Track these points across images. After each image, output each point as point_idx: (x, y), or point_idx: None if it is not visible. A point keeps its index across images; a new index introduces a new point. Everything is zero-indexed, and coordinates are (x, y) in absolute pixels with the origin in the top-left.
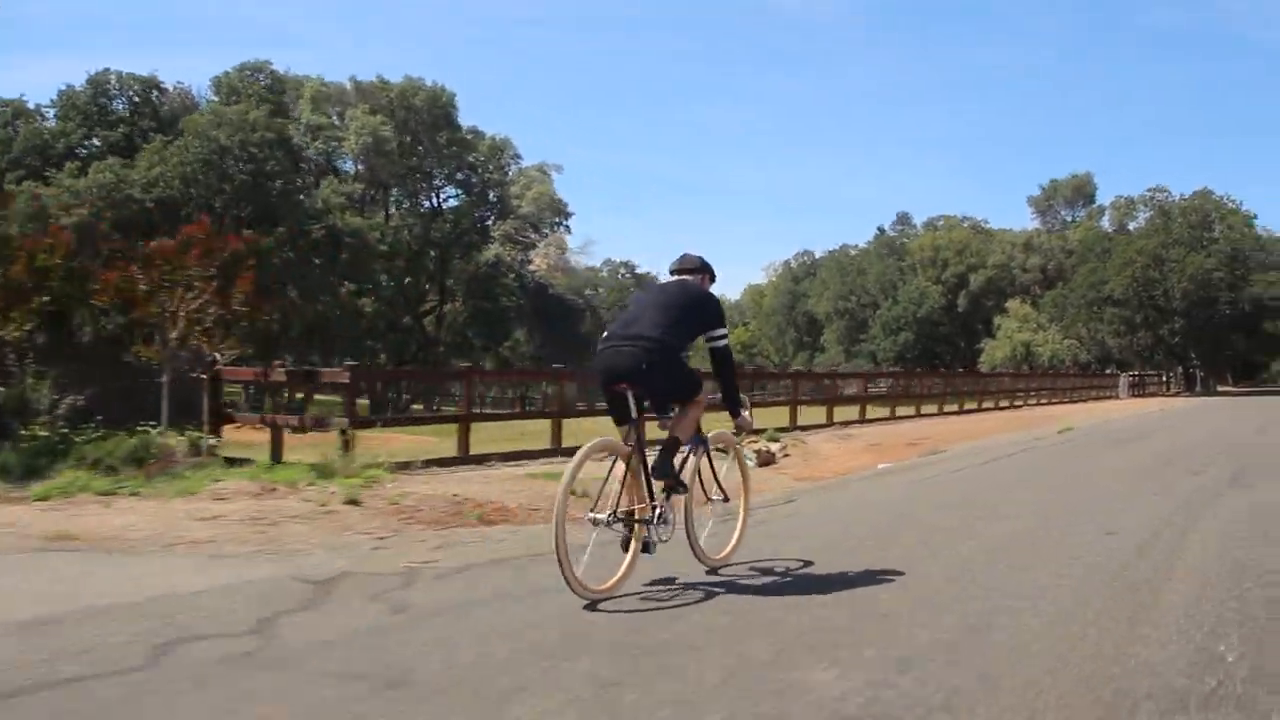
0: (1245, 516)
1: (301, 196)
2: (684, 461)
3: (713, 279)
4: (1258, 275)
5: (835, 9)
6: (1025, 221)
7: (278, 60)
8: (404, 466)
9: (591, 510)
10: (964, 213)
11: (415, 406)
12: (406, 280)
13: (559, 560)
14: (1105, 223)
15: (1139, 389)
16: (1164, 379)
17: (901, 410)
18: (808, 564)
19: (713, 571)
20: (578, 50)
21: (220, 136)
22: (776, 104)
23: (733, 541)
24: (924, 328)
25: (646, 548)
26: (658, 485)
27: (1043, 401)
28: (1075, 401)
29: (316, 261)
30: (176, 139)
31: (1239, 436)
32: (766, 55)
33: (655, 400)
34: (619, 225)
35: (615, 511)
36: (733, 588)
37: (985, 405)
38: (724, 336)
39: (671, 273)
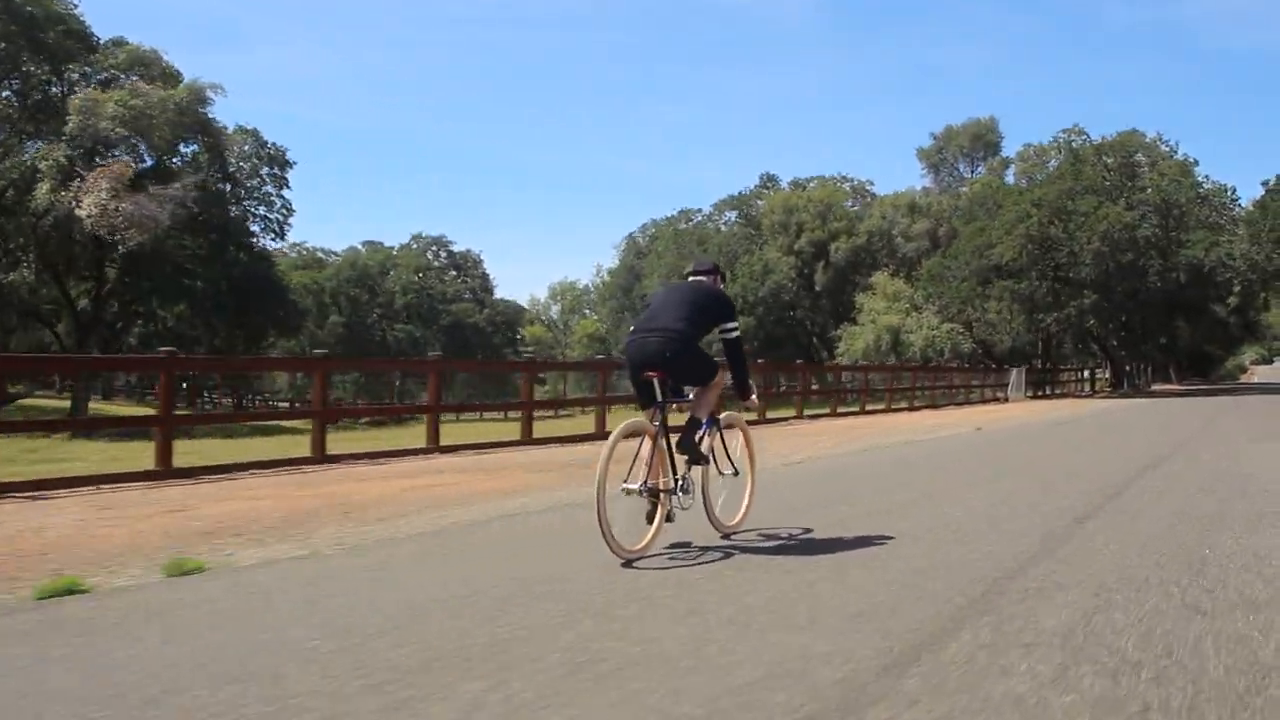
0: None
1: None
2: (701, 438)
3: (723, 279)
4: (1203, 234)
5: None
6: (919, 184)
7: None
8: None
9: (624, 482)
10: (847, 173)
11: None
12: None
13: (600, 524)
14: (1010, 177)
15: (1046, 388)
16: (1085, 375)
17: None
18: (808, 530)
19: (725, 536)
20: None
21: None
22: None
23: (741, 511)
24: (771, 310)
25: (670, 515)
26: (680, 460)
27: (857, 411)
28: (918, 409)
29: None
30: None
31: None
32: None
33: (679, 384)
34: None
35: (644, 483)
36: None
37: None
38: (735, 329)
39: (687, 274)
